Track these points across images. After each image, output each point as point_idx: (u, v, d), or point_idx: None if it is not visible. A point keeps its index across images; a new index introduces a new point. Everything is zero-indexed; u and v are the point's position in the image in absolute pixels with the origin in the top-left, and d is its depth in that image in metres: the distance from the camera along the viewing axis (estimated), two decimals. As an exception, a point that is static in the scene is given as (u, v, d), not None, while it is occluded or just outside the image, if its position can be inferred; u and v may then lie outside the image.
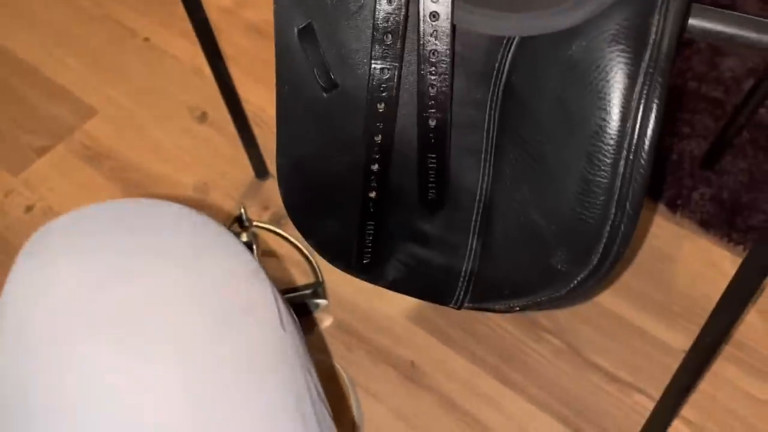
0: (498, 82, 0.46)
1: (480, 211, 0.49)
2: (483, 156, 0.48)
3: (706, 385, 0.83)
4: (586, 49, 0.40)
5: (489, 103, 0.47)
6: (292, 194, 0.55)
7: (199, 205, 1.04)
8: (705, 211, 0.97)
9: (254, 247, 0.95)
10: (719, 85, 1.08)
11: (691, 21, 0.45)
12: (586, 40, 0.40)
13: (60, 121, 1.14)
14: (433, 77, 0.44)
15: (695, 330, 0.59)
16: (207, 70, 0.93)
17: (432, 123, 0.46)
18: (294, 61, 0.51)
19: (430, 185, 0.48)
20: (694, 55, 1.11)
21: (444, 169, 0.48)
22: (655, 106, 0.39)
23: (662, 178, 1.00)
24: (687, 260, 0.95)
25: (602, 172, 0.40)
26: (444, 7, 0.42)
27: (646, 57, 0.39)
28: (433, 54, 0.44)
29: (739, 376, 0.84)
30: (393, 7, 0.44)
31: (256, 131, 1.02)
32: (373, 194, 0.50)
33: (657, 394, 0.70)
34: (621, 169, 0.40)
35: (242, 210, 0.94)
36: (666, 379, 0.67)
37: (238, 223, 0.96)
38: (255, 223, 0.98)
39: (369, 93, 0.47)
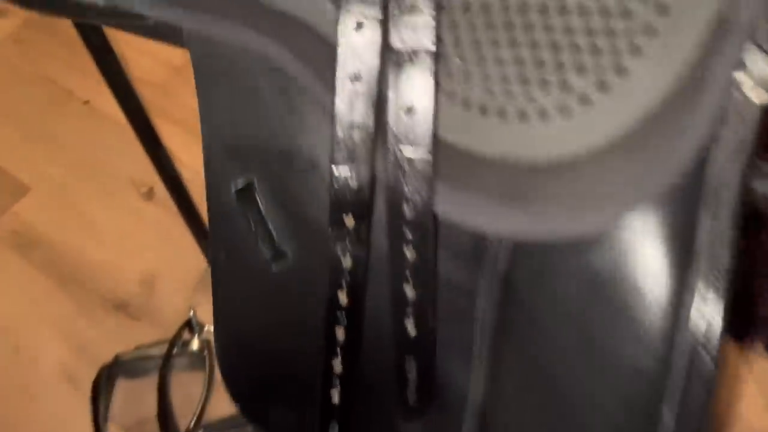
0: (492, 271, 0.35)
1: (472, 420, 0.38)
2: (474, 354, 0.38)
3: None
4: (609, 260, 0.30)
5: (480, 294, 0.36)
6: (234, 375, 0.44)
7: (144, 303, 0.92)
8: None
9: (206, 355, 0.84)
10: None
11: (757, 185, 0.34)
12: (612, 246, 0.30)
13: (-17, 202, 1.02)
14: (408, 278, 0.33)
15: None
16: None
17: (411, 329, 0.35)
18: (232, 226, 0.40)
19: (410, 390, 0.38)
20: None
21: (428, 373, 0.37)
22: (713, 339, 0.29)
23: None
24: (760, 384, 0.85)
25: (643, 427, 0.30)
26: (421, 195, 0.31)
27: (694, 271, 0.29)
28: (408, 250, 0.33)
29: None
30: (354, 184, 0.33)
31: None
32: (336, 397, 0.39)
33: None
34: (668, 425, 0.30)
35: (191, 313, 0.83)
36: None
37: (188, 329, 0.84)
38: (207, 328, 0.86)
39: (329, 278, 0.36)
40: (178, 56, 1.15)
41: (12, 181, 1.04)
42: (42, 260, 0.96)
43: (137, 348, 0.84)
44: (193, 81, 1.20)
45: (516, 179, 0.31)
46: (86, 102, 1.13)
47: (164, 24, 0.39)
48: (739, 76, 0.29)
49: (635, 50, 0.28)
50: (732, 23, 0.27)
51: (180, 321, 0.85)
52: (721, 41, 0.28)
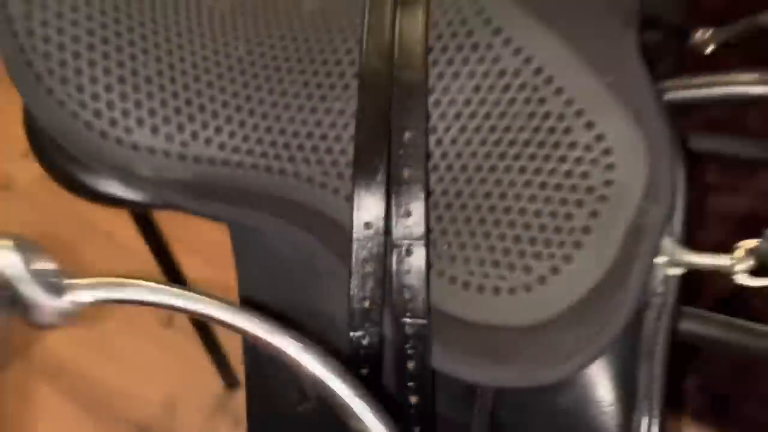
0: (482, 408, 0.43)
1: None
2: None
3: None
4: (572, 401, 0.38)
5: (473, 426, 0.44)
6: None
7: (166, 425, 0.98)
8: (695, 401, 0.94)
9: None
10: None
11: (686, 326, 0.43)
12: (570, 391, 0.38)
13: (17, 334, 1.09)
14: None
15: None
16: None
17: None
18: (264, 371, 0.48)
19: None
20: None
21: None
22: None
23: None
24: (683, 456, 0.91)
25: None
26: (419, 355, 0.40)
27: (638, 411, 0.37)
28: (411, 396, 0.41)
29: None
30: (367, 342, 0.41)
31: (225, 335, 0.98)
32: None
33: None
34: None
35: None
36: None
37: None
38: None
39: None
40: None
41: (41, 312, 1.12)
42: (69, 388, 1.02)
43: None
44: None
45: (495, 340, 0.39)
46: (109, 234, 1.23)
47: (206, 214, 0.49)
48: (657, 258, 0.38)
49: (577, 244, 0.38)
50: (646, 224, 0.37)
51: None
52: (639, 235, 0.37)
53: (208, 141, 0.44)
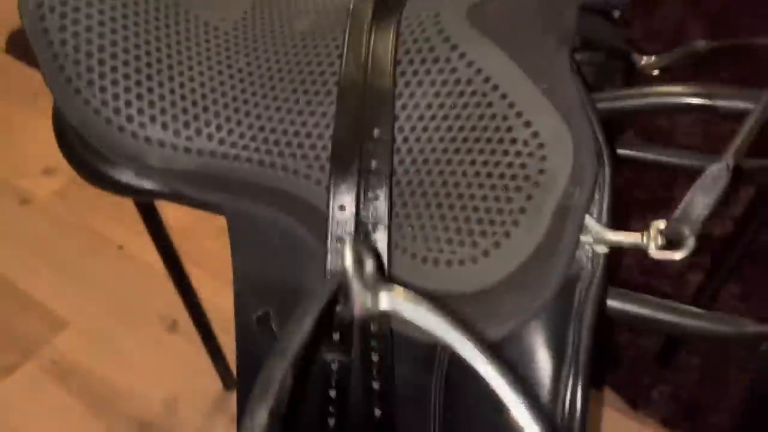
0: (439, 372, 0.50)
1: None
2: (431, 435, 0.51)
3: None
4: (516, 358, 0.44)
5: (433, 387, 0.50)
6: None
7: (167, 423, 1.04)
8: (665, 409, 0.99)
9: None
10: (666, 278, 1.14)
11: (611, 304, 0.50)
12: (507, 351, 0.45)
13: (30, 335, 1.16)
14: (376, 375, 0.48)
15: None
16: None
17: (378, 413, 0.49)
18: (252, 343, 0.55)
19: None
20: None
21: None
22: (578, 413, 0.43)
23: (621, 375, 1.03)
24: (654, 461, 0.96)
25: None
26: (382, 320, 0.46)
27: (565, 369, 0.44)
28: (375, 355, 0.47)
29: None
30: (339, 310, 0.48)
31: (226, 339, 1.04)
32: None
33: None
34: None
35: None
36: None
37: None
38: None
39: (322, 379, 0.50)
40: (200, 206, 1.34)
41: (52, 316, 1.19)
42: (76, 387, 1.09)
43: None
44: (211, 227, 1.40)
45: (445, 305, 0.46)
46: (120, 247, 1.30)
47: (208, 203, 0.56)
48: (584, 237, 0.45)
49: (515, 223, 0.45)
50: (572, 206, 0.44)
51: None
52: (566, 214, 0.44)
53: (210, 137, 0.51)
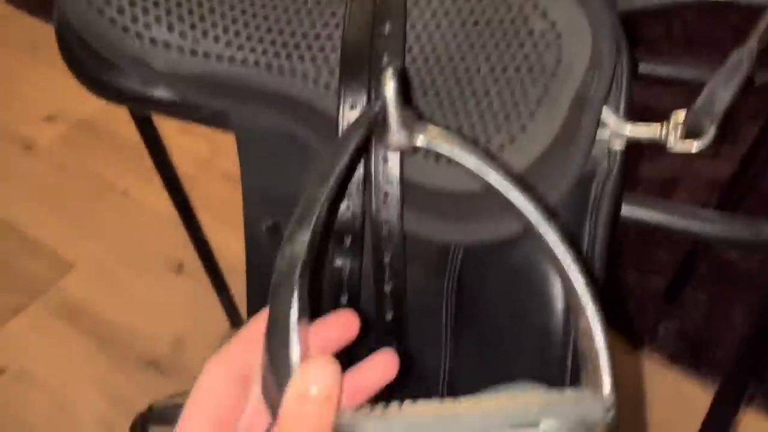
0: (452, 275, 0.49)
1: (444, 387, 0.50)
2: (443, 342, 0.51)
3: None
4: (525, 256, 0.44)
5: (445, 292, 0.50)
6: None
7: (174, 360, 1.04)
8: (671, 346, 0.99)
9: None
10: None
11: (626, 210, 0.49)
12: (525, 248, 0.44)
13: (37, 277, 1.16)
14: (387, 277, 0.47)
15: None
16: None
17: (389, 316, 0.48)
18: (262, 255, 0.54)
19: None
20: (646, 186, 1.17)
21: (403, 356, 0.50)
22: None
23: (627, 314, 1.03)
24: (659, 395, 0.96)
25: (552, 368, 0.43)
26: (394, 218, 0.46)
27: (582, 264, 0.43)
28: (386, 257, 0.47)
29: None
30: (350, 214, 0.47)
31: (233, 278, 1.04)
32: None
33: None
34: (569, 365, 0.42)
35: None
36: None
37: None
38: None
39: (333, 284, 0.49)
40: (203, 151, 1.34)
41: (59, 259, 1.19)
42: (84, 326, 1.09)
43: (168, 397, 0.95)
44: (215, 173, 1.40)
45: (459, 203, 0.45)
46: (125, 192, 1.29)
47: (215, 113, 0.55)
48: (601, 131, 0.44)
49: (531, 115, 0.44)
50: (590, 97, 0.43)
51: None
52: (583, 105, 0.43)
53: (216, 39, 0.50)
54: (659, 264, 1.08)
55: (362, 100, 0.47)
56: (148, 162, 1.33)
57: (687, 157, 1.18)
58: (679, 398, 0.95)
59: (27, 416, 0.98)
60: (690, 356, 0.98)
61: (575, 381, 0.43)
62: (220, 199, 1.25)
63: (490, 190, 0.44)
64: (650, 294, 1.04)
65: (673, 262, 1.07)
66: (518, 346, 0.45)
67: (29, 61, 1.53)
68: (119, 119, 1.39)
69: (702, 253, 1.03)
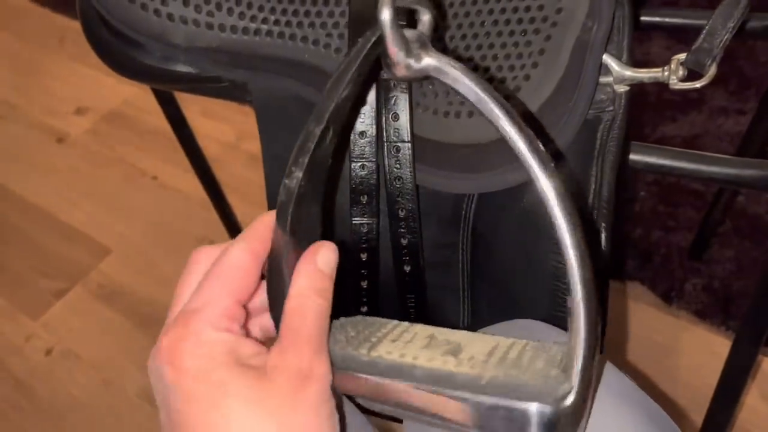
0: (466, 227, 0.51)
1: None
2: (461, 294, 0.52)
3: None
4: (536, 199, 0.45)
5: (460, 245, 0.51)
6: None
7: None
8: (699, 302, 1.00)
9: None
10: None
11: (633, 157, 0.50)
12: (535, 191, 0.45)
13: (76, 262, 1.21)
14: (403, 231, 0.49)
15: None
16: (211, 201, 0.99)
17: (407, 269, 0.50)
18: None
19: (411, 317, 0.52)
20: (668, 142, 1.16)
21: (423, 308, 0.52)
22: (602, 247, 0.44)
23: (654, 271, 1.04)
24: (688, 351, 0.97)
25: (564, 307, 0.44)
26: (407, 172, 0.47)
27: (589, 205, 0.44)
28: (401, 211, 0.49)
29: (754, 468, 0.84)
30: (365, 173, 0.49)
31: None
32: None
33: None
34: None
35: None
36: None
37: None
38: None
39: (352, 245, 0.51)
40: (228, 135, 1.36)
41: (96, 245, 1.23)
42: (123, 307, 1.13)
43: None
44: (240, 155, 1.42)
45: (468, 155, 0.47)
46: (154, 177, 1.33)
47: (234, 85, 0.57)
48: (604, 77, 0.45)
49: (534, 64, 0.45)
50: (591, 42, 0.44)
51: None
52: (584, 49, 0.44)
53: (230, 11, 0.52)
54: (684, 221, 1.08)
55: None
56: (175, 148, 1.37)
57: (709, 115, 1.17)
58: (707, 353, 0.95)
59: (74, 392, 1.03)
60: (718, 312, 0.98)
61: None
62: (246, 180, 1.28)
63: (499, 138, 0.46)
64: (676, 251, 1.04)
65: (698, 219, 1.06)
66: (532, 290, 0.46)
67: (56, 57, 1.57)
68: (145, 109, 1.44)
69: (726, 209, 1.02)
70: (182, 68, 0.56)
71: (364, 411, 0.43)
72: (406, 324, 0.39)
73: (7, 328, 1.13)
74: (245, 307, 0.36)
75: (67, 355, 1.08)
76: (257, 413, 0.31)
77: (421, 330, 0.37)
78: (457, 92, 0.35)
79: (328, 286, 0.36)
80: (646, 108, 1.16)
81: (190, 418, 0.32)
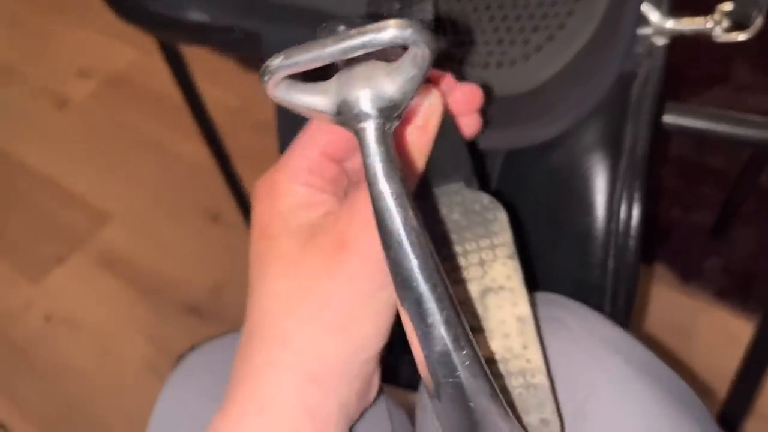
0: (489, 189, 0.48)
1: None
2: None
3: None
4: (566, 158, 0.42)
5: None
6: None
7: (214, 307, 1.06)
8: (718, 282, 0.97)
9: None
10: (719, 154, 1.09)
11: (666, 118, 0.47)
12: (565, 149, 0.42)
13: (77, 228, 1.18)
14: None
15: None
16: (218, 169, 0.96)
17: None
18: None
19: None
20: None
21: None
22: (636, 207, 0.41)
23: (673, 250, 1.01)
24: (705, 333, 0.94)
25: (593, 271, 0.41)
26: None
27: (623, 163, 0.41)
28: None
29: (771, 453, 0.82)
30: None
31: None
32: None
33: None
34: (610, 267, 0.41)
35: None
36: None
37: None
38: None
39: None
40: (234, 101, 1.33)
41: (98, 211, 1.20)
42: (125, 275, 1.11)
43: (209, 341, 0.97)
44: (247, 122, 1.38)
45: (502, 108, 0.43)
46: (158, 143, 1.30)
47: (246, 35, 0.53)
48: (642, 29, 0.41)
49: (569, 12, 0.41)
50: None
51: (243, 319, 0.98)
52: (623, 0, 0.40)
53: (241, -47, 0.49)
54: (705, 200, 1.04)
55: (388, 4, 0.45)
56: (180, 113, 1.34)
57: (737, 89, 1.13)
58: (726, 334, 0.93)
59: (74, 360, 1.01)
60: (737, 292, 0.95)
61: (616, 284, 0.42)
62: (253, 148, 1.24)
63: (539, 91, 0.42)
64: (696, 230, 1.01)
65: (719, 198, 1.03)
66: (559, 251, 0.43)
67: (59, 20, 1.53)
68: (150, 73, 1.40)
69: (749, 188, 0.99)
70: (193, 16, 0.52)
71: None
72: None
73: (6, 292, 1.10)
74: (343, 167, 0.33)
75: (66, 322, 1.06)
76: (291, 278, 0.30)
77: None
78: None
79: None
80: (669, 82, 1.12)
81: (251, 272, 0.34)
